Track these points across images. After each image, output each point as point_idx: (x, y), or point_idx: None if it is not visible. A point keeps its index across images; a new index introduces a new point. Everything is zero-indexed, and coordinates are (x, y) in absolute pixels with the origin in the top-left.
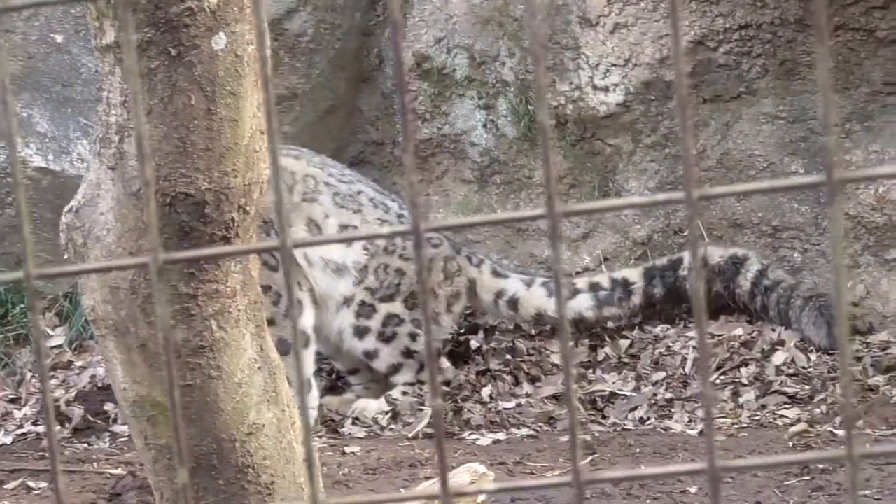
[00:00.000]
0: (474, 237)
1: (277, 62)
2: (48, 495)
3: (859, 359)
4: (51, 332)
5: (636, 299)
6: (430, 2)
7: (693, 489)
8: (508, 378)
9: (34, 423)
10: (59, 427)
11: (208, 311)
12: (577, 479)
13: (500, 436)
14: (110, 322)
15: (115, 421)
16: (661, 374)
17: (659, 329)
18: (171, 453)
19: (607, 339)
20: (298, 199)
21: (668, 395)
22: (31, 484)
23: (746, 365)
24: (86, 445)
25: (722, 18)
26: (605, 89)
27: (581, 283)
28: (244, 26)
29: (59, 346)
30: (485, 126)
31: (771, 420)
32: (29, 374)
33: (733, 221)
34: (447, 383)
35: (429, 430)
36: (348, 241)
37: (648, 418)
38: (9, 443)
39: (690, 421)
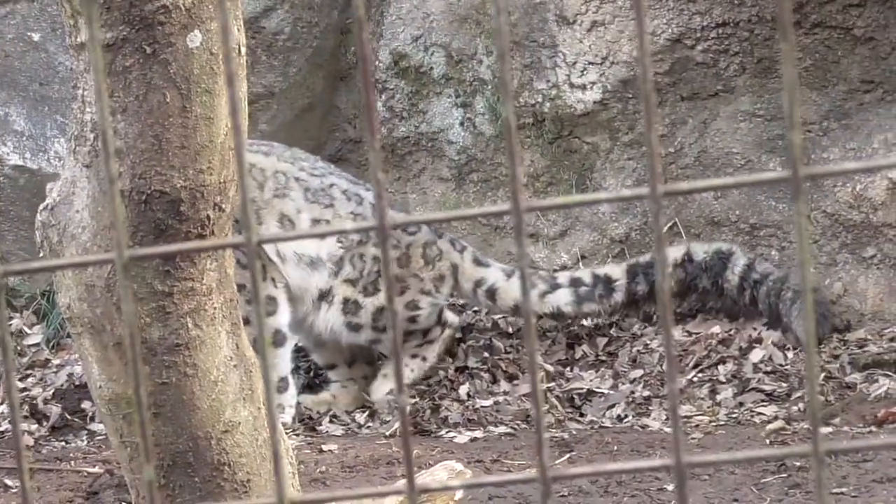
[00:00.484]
0: (452, 235)
1: (255, 60)
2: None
3: (837, 356)
4: (28, 331)
5: (618, 296)
6: (408, 0)
7: (670, 487)
8: (486, 376)
9: (11, 422)
10: (36, 425)
11: (184, 308)
12: (544, 476)
13: (478, 433)
14: (86, 320)
15: (92, 419)
16: (639, 372)
17: (637, 327)
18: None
19: (585, 336)
20: (270, 195)
21: (646, 393)
22: (9, 482)
23: (724, 363)
24: (63, 444)
25: (699, 16)
26: (583, 87)
27: (562, 277)
28: (220, 24)
29: (37, 345)
30: (462, 124)
31: (748, 418)
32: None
33: (711, 219)
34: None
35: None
36: (316, 237)
37: (626, 416)
38: None
39: (668, 419)
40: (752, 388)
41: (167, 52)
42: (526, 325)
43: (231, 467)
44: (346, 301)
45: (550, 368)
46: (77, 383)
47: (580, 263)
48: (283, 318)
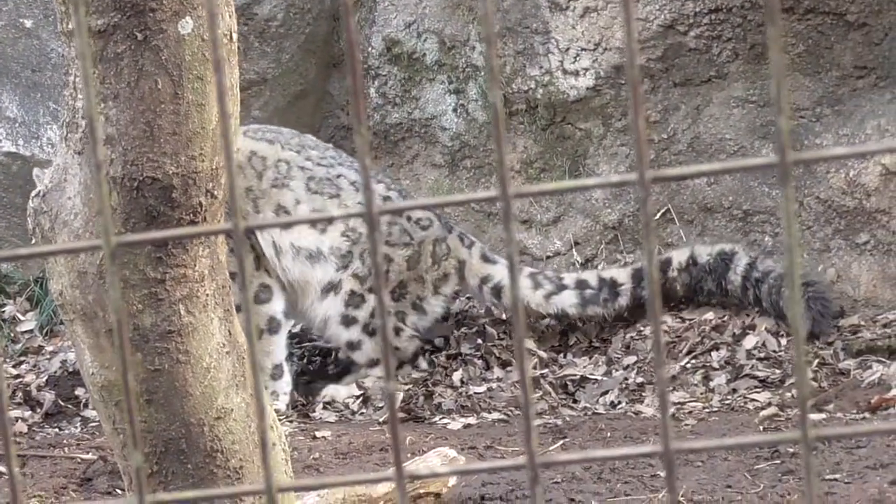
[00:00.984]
0: (462, 229)
1: (247, 47)
2: (19, 480)
3: (830, 343)
4: (22, 317)
5: (623, 301)
6: None
7: (663, 473)
8: (479, 362)
9: None
10: (30, 412)
11: (176, 295)
12: (532, 462)
13: (471, 420)
14: (78, 307)
15: (86, 406)
16: (632, 359)
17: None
18: (140, 438)
19: (578, 323)
20: (268, 185)
21: (640, 380)
22: (2, 469)
23: (717, 349)
24: (57, 430)
25: (692, 2)
26: (576, 73)
27: (568, 279)
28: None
29: (30, 331)
30: (455, 111)
31: (742, 404)
32: None
33: (704, 206)
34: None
35: (400, 415)
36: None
37: (619, 402)
38: None
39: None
40: (746, 375)
41: (159, 39)
42: (515, 314)
43: (224, 454)
44: (351, 293)
45: (544, 355)
46: (71, 370)
47: (573, 250)
48: (277, 305)
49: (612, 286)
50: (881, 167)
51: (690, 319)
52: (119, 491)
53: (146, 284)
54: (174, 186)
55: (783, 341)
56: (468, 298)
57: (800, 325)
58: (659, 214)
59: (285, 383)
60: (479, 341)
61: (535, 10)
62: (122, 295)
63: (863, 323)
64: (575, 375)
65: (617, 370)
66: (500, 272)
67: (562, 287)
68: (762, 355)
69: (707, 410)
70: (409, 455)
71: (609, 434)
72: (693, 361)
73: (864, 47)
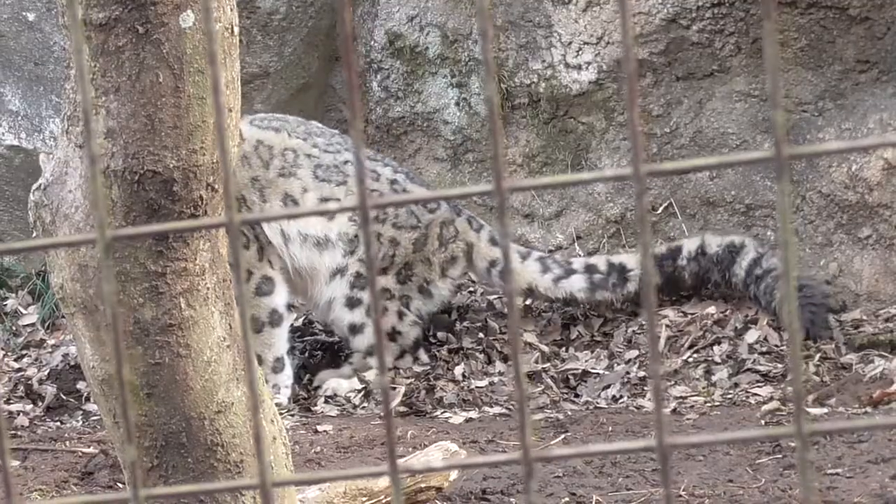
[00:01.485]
0: (471, 212)
1: (250, 40)
2: (20, 474)
3: (832, 337)
4: (24, 311)
5: (632, 286)
6: None
7: None
8: (481, 356)
9: (6, 402)
10: (31, 405)
11: (177, 288)
12: (527, 457)
13: (473, 414)
14: (79, 300)
15: (87, 399)
16: (634, 353)
17: (631, 306)
18: (141, 432)
19: (580, 317)
20: (274, 174)
21: (641, 374)
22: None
23: (719, 343)
24: (58, 424)
25: None
26: (578, 67)
27: (577, 263)
28: (212, 3)
29: (32, 325)
30: (457, 104)
31: (743, 398)
32: (1, 353)
33: (706, 200)
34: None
35: (402, 409)
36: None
37: (621, 396)
38: None
39: (663, 399)
40: (748, 369)
41: (160, 32)
42: (510, 307)
43: (224, 448)
44: (357, 275)
45: (545, 349)
46: (72, 364)
47: (576, 244)
48: (279, 298)
49: (622, 271)
50: (883, 161)
51: (692, 313)
52: (120, 485)
53: (147, 278)
54: (175, 180)
55: (785, 336)
56: (470, 293)
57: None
58: (661, 208)
59: (286, 377)
60: (481, 335)
61: (538, 3)
62: (122, 288)
63: (865, 317)
64: (577, 369)
65: (619, 364)
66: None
67: (571, 271)
68: (764, 350)
69: (709, 405)
70: (410, 449)
71: (611, 428)
72: (695, 355)
73: (867, 41)
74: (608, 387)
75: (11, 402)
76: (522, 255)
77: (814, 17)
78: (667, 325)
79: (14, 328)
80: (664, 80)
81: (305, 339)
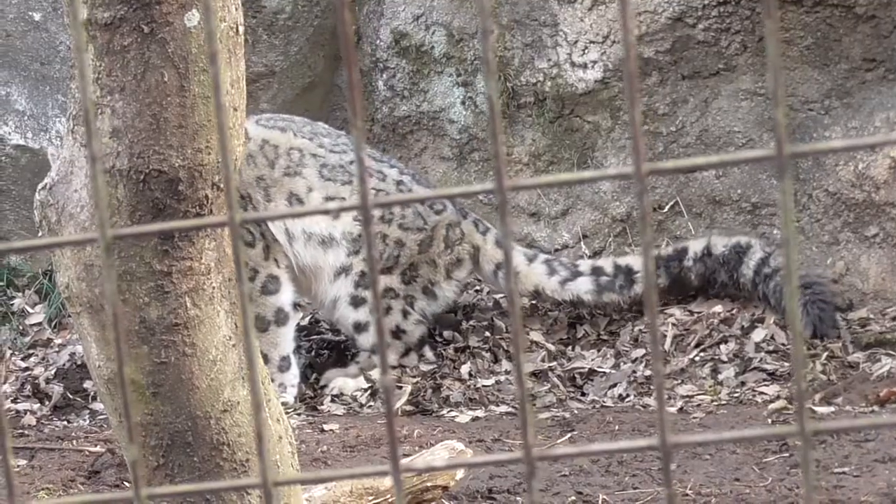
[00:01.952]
0: (477, 215)
1: (255, 39)
2: (27, 473)
3: (839, 336)
4: (30, 310)
5: (638, 288)
6: None
7: (672, 465)
8: (487, 355)
9: (13, 401)
10: (38, 405)
11: (182, 288)
12: (529, 456)
13: (479, 413)
14: (84, 299)
15: (94, 399)
16: (641, 351)
17: (638, 306)
18: (146, 431)
19: (586, 316)
20: (280, 174)
21: (648, 372)
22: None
23: (726, 342)
24: (65, 423)
25: None
26: (584, 66)
27: (584, 265)
28: (217, 2)
29: (39, 324)
30: (463, 103)
31: (750, 397)
32: (8, 352)
33: (712, 198)
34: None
35: (408, 408)
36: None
37: (628, 395)
38: None
39: (670, 398)
40: (754, 368)
41: (165, 32)
42: (511, 305)
43: (230, 447)
44: (362, 274)
45: (552, 348)
46: (79, 363)
47: (581, 243)
48: (285, 296)
49: (628, 273)
50: (890, 160)
51: (699, 312)
52: (127, 483)
53: (152, 277)
54: (180, 179)
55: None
56: (476, 292)
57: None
58: (668, 207)
59: (293, 375)
60: (488, 334)
61: (544, 2)
62: (128, 287)
63: (872, 316)
64: (583, 368)
65: (625, 363)
66: (515, 258)
67: (577, 273)
68: (771, 348)
69: (715, 403)
70: (416, 448)
71: (617, 427)
72: (701, 354)
73: (873, 40)
74: (614, 385)
75: (18, 401)
76: (529, 257)
77: (820, 16)
78: (673, 324)
79: (21, 327)
80: (670, 79)
81: (312, 337)
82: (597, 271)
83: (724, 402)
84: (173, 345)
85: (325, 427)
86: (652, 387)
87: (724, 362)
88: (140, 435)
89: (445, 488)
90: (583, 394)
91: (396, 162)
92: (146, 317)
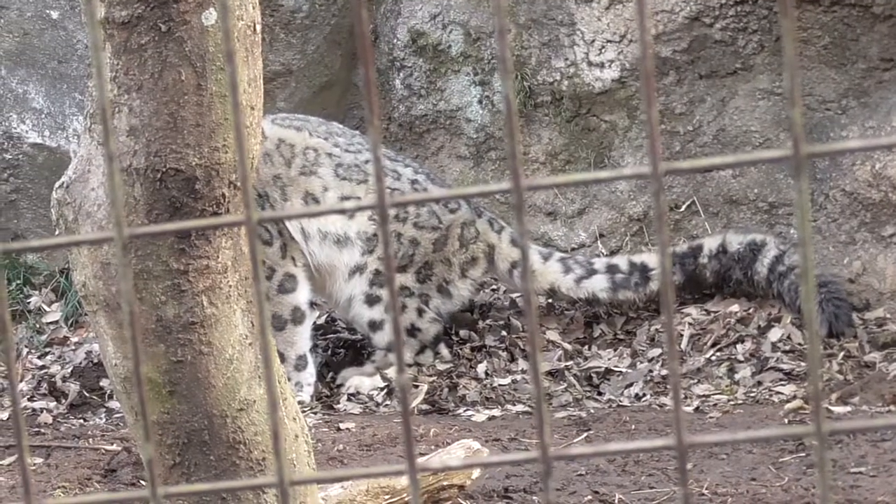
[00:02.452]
0: (492, 213)
1: (273, 38)
2: (43, 471)
3: (855, 335)
4: (47, 308)
5: (654, 286)
6: None
7: (688, 465)
8: (504, 354)
9: (30, 399)
10: (55, 403)
11: (199, 286)
12: (545, 455)
13: (496, 412)
14: (101, 298)
15: (110, 397)
16: (657, 351)
17: (654, 305)
18: (163, 429)
19: (603, 315)
20: (296, 173)
21: (664, 372)
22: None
23: (742, 341)
24: (82, 421)
25: None
26: (601, 65)
27: (599, 263)
28: (234, 1)
29: (56, 322)
30: (480, 102)
31: (767, 397)
32: (25, 350)
33: (729, 198)
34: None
35: (424, 407)
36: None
37: (644, 394)
38: (4, 419)
39: (686, 397)
40: (771, 367)
41: (182, 30)
42: (527, 304)
43: (246, 445)
44: (377, 272)
45: (568, 347)
46: (95, 361)
47: (598, 242)
48: (302, 295)
49: (643, 271)
50: None
51: (715, 312)
52: (143, 482)
53: (169, 276)
54: (197, 178)
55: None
56: (493, 291)
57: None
58: (684, 206)
59: (309, 374)
60: (504, 333)
61: (561, 1)
62: (145, 286)
63: (888, 315)
64: (600, 367)
65: (642, 362)
66: (530, 257)
67: (592, 271)
68: (787, 348)
69: (732, 403)
70: (433, 447)
71: (634, 426)
72: (718, 354)
73: (891, 39)
74: (631, 385)
75: (35, 399)
76: (544, 255)
77: (837, 15)
78: (690, 324)
79: (38, 326)
80: (687, 79)
81: (328, 336)
82: (612, 269)
83: (740, 402)
84: (190, 343)
85: (342, 426)
86: (668, 386)
87: (740, 362)
88: (156, 433)
89: (462, 487)
90: (599, 393)
91: (411, 161)
92: (163, 315)
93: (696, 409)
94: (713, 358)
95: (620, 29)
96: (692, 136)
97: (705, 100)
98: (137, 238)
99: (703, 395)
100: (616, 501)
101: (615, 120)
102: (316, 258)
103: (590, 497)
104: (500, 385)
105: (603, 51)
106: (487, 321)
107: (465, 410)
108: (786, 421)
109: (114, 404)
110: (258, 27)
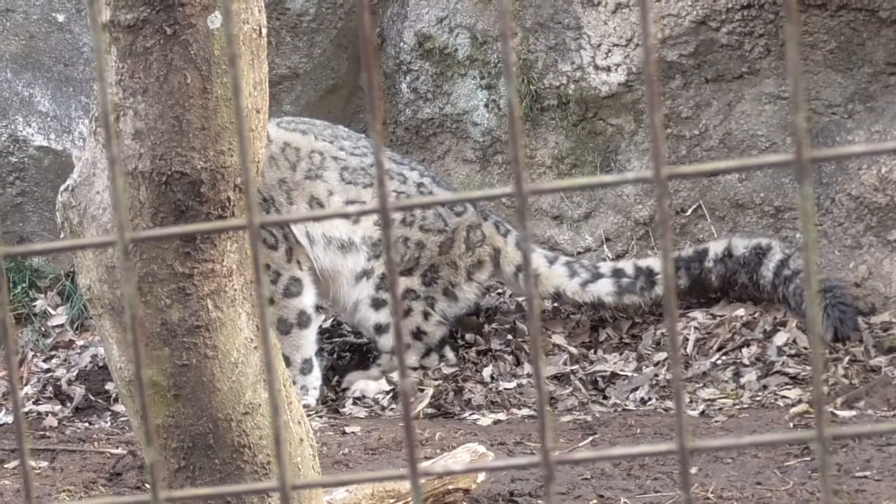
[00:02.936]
0: (498, 216)
1: (279, 41)
2: (48, 474)
3: (861, 339)
4: (53, 312)
5: (659, 290)
6: None
7: (693, 469)
8: (509, 358)
9: (35, 403)
10: (60, 406)
11: (204, 290)
12: (547, 460)
13: (501, 416)
14: (106, 301)
15: (115, 401)
16: (663, 355)
17: (660, 310)
18: (168, 433)
19: (609, 319)
20: (301, 177)
21: (670, 376)
22: (32, 463)
23: (748, 345)
24: (87, 425)
25: None
26: (607, 69)
27: (605, 267)
28: (240, 5)
29: (61, 326)
30: (486, 106)
31: (772, 401)
32: (30, 354)
33: (735, 202)
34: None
35: (429, 410)
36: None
37: (650, 399)
38: (9, 422)
39: (692, 401)
40: (777, 372)
41: (188, 34)
42: (530, 308)
43: (251, 449)
44: (383, 276)
45: (574, 351)
46: (101, 364)
47: (604, 246)
48: (308, 299)
49: (649, 275)
50: None
51: (721, 316)
52: (148, 486)
53: (174, 279)
54: (202, 181)
55: None
56: (499, 295)
57: (816, 324)
58: (690, 210)
59: (314, 378)
60: (510, 337)
61: (568, 5)
62: (150, 289)
63: (894, 320)
64: (605, 371)
65: (647, 366)
66: (535, 260)
67: (598, 275)
68: (793, 352)
69: (737, 407)
70: (438, 451)
71: (639, 431)
72: (724, 358)
73: None
74: (636, 389)
75: (40, 402)
76: (549, 259)
77: (844, 20)
78: (695, 328)
79: (43, 329)
80: (693, 83)
81: (334, 340)
82: (617, 273)
83: (745, 406)
84: (195, 347)
85: (347, 429)
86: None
87: (746, 366)
88: (161, 437)
89: (467, 491)
90: (605, 397)
91: (417, 164)
92: (168, 319)
93: (702, 412)
94: (719, 362)
95: (627, 33)
96: (698, 140)
97: (711, 104)
98: (141, 242)
99: (709, 399)
100: None
101: (621, 124)
102: (320, 263)
103: (595, 501)
104: (505, 389)
105: (609, 55)
106: (493, 325)
107: (470, 414)
108: (791, 425)
109: (119, 408)
110: (264, 30)
